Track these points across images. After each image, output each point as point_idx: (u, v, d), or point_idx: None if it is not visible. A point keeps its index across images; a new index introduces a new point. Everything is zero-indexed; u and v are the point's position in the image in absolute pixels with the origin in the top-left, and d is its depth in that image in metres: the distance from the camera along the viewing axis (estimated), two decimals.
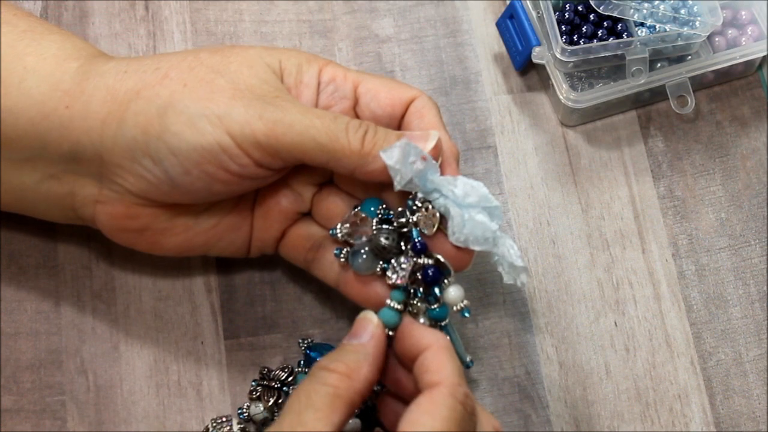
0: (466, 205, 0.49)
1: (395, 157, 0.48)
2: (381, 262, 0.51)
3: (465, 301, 0.51)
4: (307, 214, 0.55)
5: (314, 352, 0.56)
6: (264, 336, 0.59)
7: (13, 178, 0.52)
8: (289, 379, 0.56)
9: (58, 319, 0.58)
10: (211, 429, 0.55)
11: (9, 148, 0.51)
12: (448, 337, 0.49)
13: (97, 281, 0.59)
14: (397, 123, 0.53)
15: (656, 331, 0.61)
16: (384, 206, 0.52)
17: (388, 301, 0.50)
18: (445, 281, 0.51)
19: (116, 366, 0.57)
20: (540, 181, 0.64)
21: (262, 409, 0.55)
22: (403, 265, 0.50)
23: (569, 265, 0.62)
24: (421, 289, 0.51)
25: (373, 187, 0.53)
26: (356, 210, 0.52)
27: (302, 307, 0.59)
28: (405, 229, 0.51)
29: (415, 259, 0.51)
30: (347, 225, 0.52)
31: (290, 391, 0.55)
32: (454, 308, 0.51)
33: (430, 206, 0.50)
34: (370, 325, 0.49)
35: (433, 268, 0.51)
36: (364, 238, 0.51)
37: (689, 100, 0.63)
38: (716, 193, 0.64)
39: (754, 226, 0.63)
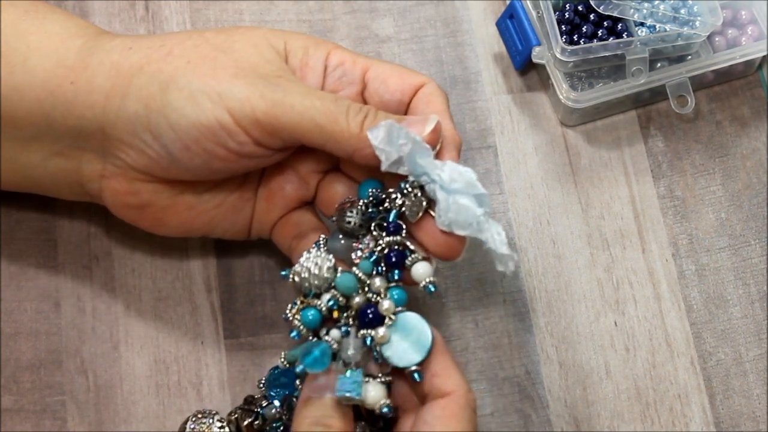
0: (453, 190, 0.49)
1: (380, 137, 0.48)
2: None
3: (431, 278, 0.50)
4: (309, 203, 0.55)
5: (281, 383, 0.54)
6: (264, 336, 0.59)
7: (21, 157, 0.52)
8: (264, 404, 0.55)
9: (58, 319, 0.58)
10: (191, 421, 0.55)
11: (16, 127, 0.51)
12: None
13: (97, 281, 0.59)
14: (405, 109, 0.53)
15: (656, 331, 0.61)
16: (378, 189, 0.52)
17: (354, 269, 0.50)
18: (410, 258, 0.50)
19: (116, 366, 0.57)
20: (540, 181, 0.64)
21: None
22: (362, 246, 0.51)
23: (569, 265, 0.62)
24: (382, 270, 0.51)
25: (377, 172, 0.52)
26: (351, 198, 0.52)
27: None
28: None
29: (379, 239, 0.50)
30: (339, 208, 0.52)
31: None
32: (420, 284, 0.50)
33: (419, 193, 0.50)
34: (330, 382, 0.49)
35: (396, 252, 0.50)
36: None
37: (689, 100, 0.63)
38: (716, 193, 0.64)
39: (754, 226, 0.63)
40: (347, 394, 0.48)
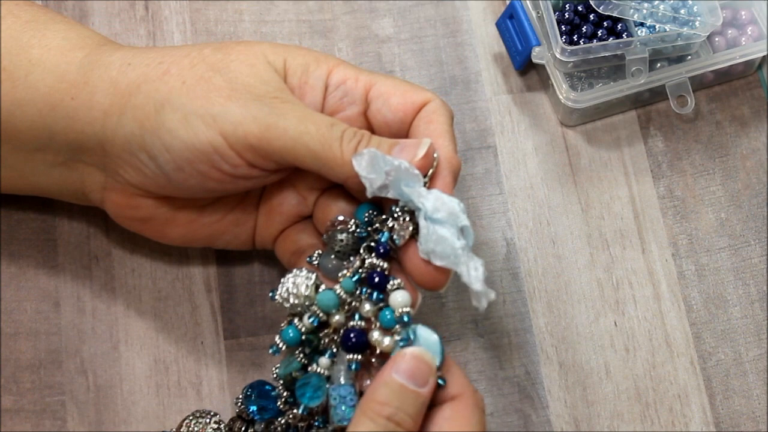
0: (434, 220, 0.48)
1: (363, 165, 0.48)
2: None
3: (407, 308, 0.49)
4: (310, 218, 0.55)
5: (253, 405, 0.53)
6: (264, 336, 0.59)
7: (25, 166, 0.53)
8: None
9: (58, 319, 0.58)
10: (189, 419, 0.54)
11: (19, 139, 0.51)
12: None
13: (97, 281, 0.59)
14: (408, 128, 0.52)
15: (656, 331, 0.61)
16: (373, 212, 0.51)
17: (336, 287, 0.50)
18: (390, 284, 0.50)
19: (116, 366, 0.57)
20: (540, 181, 0.64)
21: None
22: (348, 265, 0.50)
23: (569, 265, 0.62)
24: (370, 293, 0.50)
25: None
26: (340, 217, 0.52)
27: None
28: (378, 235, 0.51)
29: (366, 259, 0.50)
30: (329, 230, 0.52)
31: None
32: (396, 312, 0.49)
33: (408, 217, 0.49)
34: (430, 372, 0.48)
35: (379, 274, 0.50)
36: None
37: (689, 100, 0.63)
38: (716, 193, 0.64)
39: (754, 226, 0.63)
40: (345, 423, 0.48)
